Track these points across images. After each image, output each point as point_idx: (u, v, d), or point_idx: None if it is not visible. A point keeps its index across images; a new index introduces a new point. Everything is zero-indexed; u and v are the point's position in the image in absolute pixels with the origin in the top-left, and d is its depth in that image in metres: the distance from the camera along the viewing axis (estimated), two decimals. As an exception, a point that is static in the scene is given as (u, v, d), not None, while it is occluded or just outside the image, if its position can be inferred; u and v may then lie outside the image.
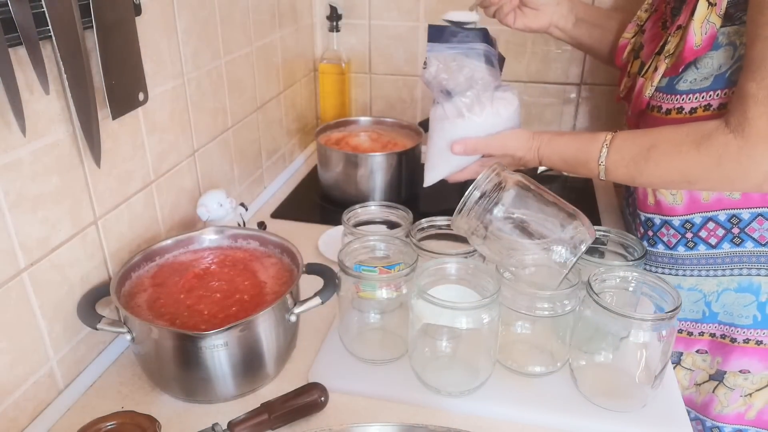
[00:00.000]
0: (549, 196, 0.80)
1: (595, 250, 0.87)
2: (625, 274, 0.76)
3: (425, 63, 0.96)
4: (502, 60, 1.01)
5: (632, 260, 0.82)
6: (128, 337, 0.70)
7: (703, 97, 0.80)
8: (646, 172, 0.80)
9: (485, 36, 0.98)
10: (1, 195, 0.61)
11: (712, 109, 0.80)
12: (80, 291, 0.74)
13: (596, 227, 0.81)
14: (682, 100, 0.82)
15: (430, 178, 1.00)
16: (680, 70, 0.80)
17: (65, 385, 0.74)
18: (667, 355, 0.70)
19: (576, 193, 1.30)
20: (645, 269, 0.93)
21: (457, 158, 0.95)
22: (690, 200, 0.87)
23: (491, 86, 0.93)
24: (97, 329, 0.70)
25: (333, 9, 1.45)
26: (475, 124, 0.92)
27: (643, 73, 0.86)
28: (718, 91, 0.79)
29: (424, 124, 1.38)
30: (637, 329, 0.69)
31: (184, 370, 0.70)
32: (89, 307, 0.72)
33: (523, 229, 0.78)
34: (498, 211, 0.77)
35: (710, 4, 0.74)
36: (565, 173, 0.92)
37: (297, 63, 1.43)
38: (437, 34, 0.96)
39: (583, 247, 0.75)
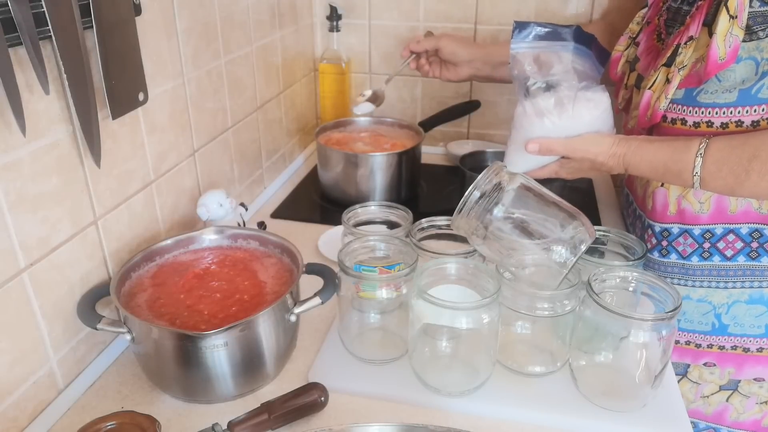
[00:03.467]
0: (549, 196, 0.80)
1: (595, 250, 0.87)
2: (625, 274, 0.76)
3: (510, 59, 0.94)
4: (606, 56, 0.98)
5: (632, 260, 0.82)
6: (128, 337, 0.70)
7: (731, 113, 0.79)
8: (748, 184, 0.75)
9: (577, 34, 0.94)
10: (1, 195, 0.61)
11: (744, 125, 0.78)
12: (80, 291, 0.74)
13: (596, 227, 0.81)
14: (709, 113, 0.80)
15: None
16: (703, 82, 0.78)
17: (65, 385, 0.74)
18: (667, 355, 0.70)
19: (576, 193, 1.31)
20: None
21: (536, 157, 0.92)
22: (717, 210, 0.86)
23: (576, 87, 0.90)
24: (97, 329, 0.70)
25: (333, 9, 1.45)
26: (553, 125, 0.89)
27: (650, 85, 0.84)
28: (747, 108, 0.78)
29: (424, 124, 1.38)
30: (637, 329, 0.69)
31: (184, 370, 0.70)
32: (89, 307, 0.72)
33: (523, 229, 0.78)
34: (498, 211, 0.77)
35: (731, 17, 0.73)
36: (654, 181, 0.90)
37: (297, 63, 1.43)
38: (522, 30, 0.94)
39: (583, 247, 0.75)
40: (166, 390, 0.74)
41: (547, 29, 0.95)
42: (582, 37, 0.95)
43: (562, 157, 0.92)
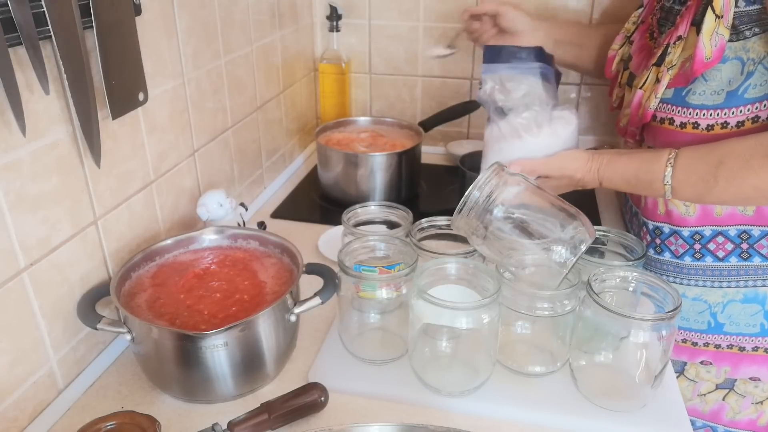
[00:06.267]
0: (549, 196, 0.80)
1: (595, 250, 0.87)
2: (625, 274, 0.76)
3: (480, 83, 0.94)
4: (558, 76, 1.00)
5: (632, 260, 0.82)
6: (128, 337, 0.70)
7: (718, 114, 0.79)
8: (716, 190, 0.76)
9: (541, 54, 0.96)
10: (1, 195, 0.61)
11: (729, 126, 0.79)
12: (80, 291, 0.74)
13: (596, 227, 0.81)
14: (696, 115, 0.81)
15: None
16: (690, 82, 0.79)
17: (65, 385, 0.74)
18: (667, 355, 0.70)
19: (576, 193, 1.29)
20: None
21: None
22: (703, 213, 0.87)
23: (548, 105, 0.91)
24: (97, 329, 0.70)
25: (333, 9, 1.45)
26: (531, 145, 0.90)
27: (642, 84, 0.85)
28: (733, 109, 0.78)
29: (424, 124, 1.38)
30: (637, 329, 0.69)
31: (184, 370, 0.70)
32: (89, 307, 0.72)
33: (523, 229, 0.78)
34: (498, 211, 0.77)
35: (717, 16, 0.74)
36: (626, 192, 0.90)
37: (297, 63, 1.43)
38: (493, 54, 0.95)
39: (583, 247, 0.75)
40: (166, 390, 0.74)
41: (514, 51, 0.97)
42: (544, 57, 0.97)
43: (539, 177, 0.92)
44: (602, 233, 0.87)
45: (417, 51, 1.49)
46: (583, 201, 1.25)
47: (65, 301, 0.72)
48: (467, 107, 1.48)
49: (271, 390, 0.75)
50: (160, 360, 0.71)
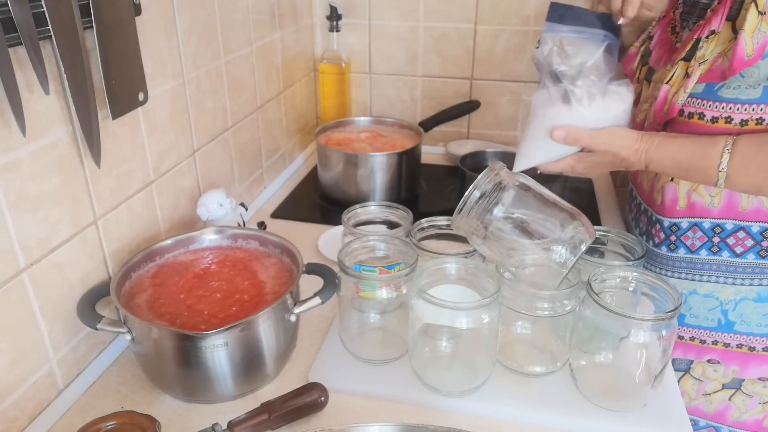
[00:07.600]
0: (549, 196, 0.80)
1: (595, 250, 0.87)
2: (625, 274, 0.76)
3: (539, 41, 0.90)
4: (622, 50, 0.95)
5: (632, 260, 0.82)
6: (128, 337, 0.70)
7: (753, 110, 0.77)
8: None
9: (608, 22, 0.91)
10: (1, 195, 0.61)
11: (765, 123, 0.77)
12: (80, 291, 0.74)
13: (596, 227, 0.81)
14: (730, 109, 0.78)
15: (520, 165, 0.91)
16: (726, 78, 0.77)
17: (65, 385, 0.74)
18: (667, 354, 0.70)
19: (576, 193, 1.31)
20: (662, 274, 0.92)
21: (555, 148, 0.88)
22: (727, 204, 0.85)
23: (605, 78, 0.87)
24: (97, 329, 0.70)
25: (333, 9, 1.45)
26: (580, 116, 0.85)
27: (668, 79, 0.83)
28: None
29: (424, 124, 1.38)
30: (637, 329, 0.69)
31: (184, 370, 0.70)
32: (89, 307, 0.72)
33: (523, 229, 0.78)
34: (498, 211, 0.77)
35: (760, 13, 0.72)
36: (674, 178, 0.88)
37: (297, 63, 1.43)
38: (557, 14, 0.90)
39: (583, 247, 0.75)
40: (166, 390, 0.74)
41: (581, 13, 0.92)
42: (611, 25, 0.92)
43: (581, 151, 0.89)
44: (602, 233, 0.87)
45: (417, 51, 1.49)
46: (583, 201, 1.26)
47: (65, 301, 0.72)
48: (467, 107, 1.48)
49: (271, 390, 0.75)
50: (160, 360, 0.71)
